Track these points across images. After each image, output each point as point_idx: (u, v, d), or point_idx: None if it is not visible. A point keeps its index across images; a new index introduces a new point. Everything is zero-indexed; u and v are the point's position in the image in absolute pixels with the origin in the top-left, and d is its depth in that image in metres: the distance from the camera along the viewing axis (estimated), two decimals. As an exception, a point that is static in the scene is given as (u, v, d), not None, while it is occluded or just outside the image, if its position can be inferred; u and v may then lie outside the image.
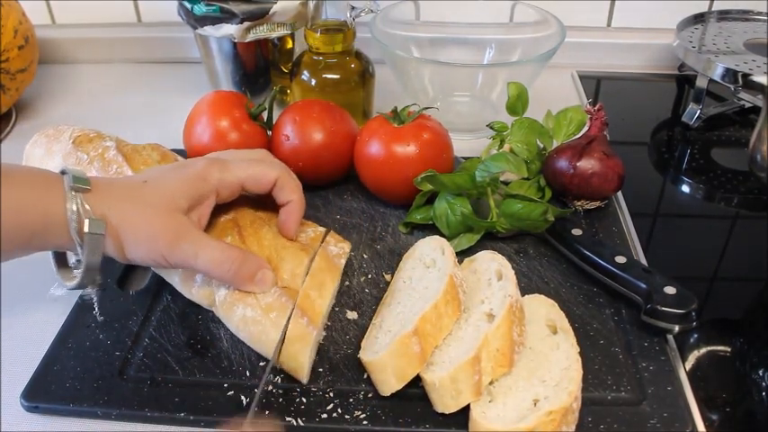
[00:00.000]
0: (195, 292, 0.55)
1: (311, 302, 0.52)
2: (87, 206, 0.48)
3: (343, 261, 0.58)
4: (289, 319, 0.51)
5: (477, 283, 0.55)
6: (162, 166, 0.56)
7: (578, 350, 0.50)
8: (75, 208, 0.47)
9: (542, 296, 0.56)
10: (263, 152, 0.61)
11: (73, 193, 0.48)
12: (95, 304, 0.57)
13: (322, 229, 0.60)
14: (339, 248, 0.59)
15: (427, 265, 0.57)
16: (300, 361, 0.51)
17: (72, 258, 0.54)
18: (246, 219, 0.57)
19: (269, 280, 0.53)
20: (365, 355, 0.52)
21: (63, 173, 0.49)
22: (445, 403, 0.48)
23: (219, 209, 0.57)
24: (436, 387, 0.48)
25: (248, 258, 0.53)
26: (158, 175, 0.54)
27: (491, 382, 0.49)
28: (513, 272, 0.54)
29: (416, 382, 0.51)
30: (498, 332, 0.49)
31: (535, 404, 0.47)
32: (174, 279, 0.57)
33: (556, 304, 0.55)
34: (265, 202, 0.59)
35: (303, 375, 0.51)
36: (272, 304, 0.52)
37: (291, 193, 0.57)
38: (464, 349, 0.49)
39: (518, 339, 0.50)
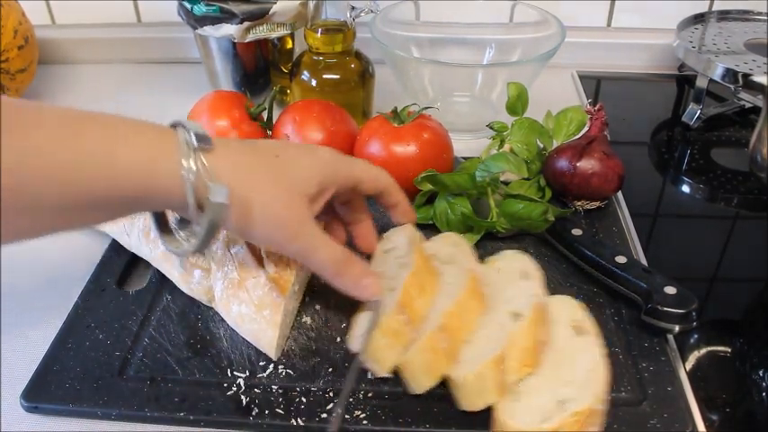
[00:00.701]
0: (194, 288, 0.55)
1: (411, 300, 0.51)
2: (209, 167, 0.42)
3: None
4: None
5: (502, 283, 0.55)
6: (290, 143, 0.52)
7: (604, 352, 0.50)
8: (194, 167, 0.42)
9: (567, 297, 0.56)
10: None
11: (192, 150, 0.42)
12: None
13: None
14: None
15: (445, 261, 0.57)
16: (385, 356, 0.50)
17: (172, 219, 0.48)
18: None
19: (374, 287, 0.51)
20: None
21: (175, 125, 0.43)
22: (470, 401, 0.48)
23: None
24: (461, 385, 0.48)
25: (356, 261, 0.51)
26: (291, 152, 0.49)
27: (516, 382, 0.49)
28: (538, 271, 0.54)
29: (416, 382, 0.52)
30: (524, 332, 0.49)
31: (560, 405, 0.46)
32: (174, 274, 0.57)
33: (581, 305, 0.55)
34: None
35: (380, 370, 0.51)
36: (264, 300, 0.52)
37: (399, 194, 0.56)
38: (490, 348, 0.49)
39: (543, 339, 0.50)
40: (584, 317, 0.53)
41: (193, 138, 0.42)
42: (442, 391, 0.50)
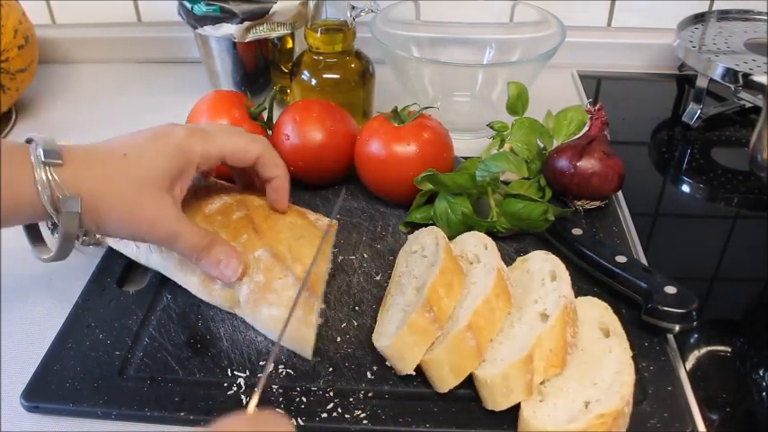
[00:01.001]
0: (216, 294, 0.55)
1: (438, 299, 0.51)
2: (59, 180, 0.46)
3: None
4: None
5: (531, 283, 0.55)
6: (141, 133, 0.53)
7: (631, 354, 0.50)
8: (45, 181, 0.45)
9: (596, 299, 0.56)
10: (242, 128, 0.59)
11: (42, 166, 0.45)
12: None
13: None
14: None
15: (470, 260, 0.58)
16: (411, 353, 0.50)
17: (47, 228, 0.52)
18: (259, 214, 0.57)
19: (233, 266, 0.53)
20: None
21: (29, 141, 0.47)
22: (496, 401, 0.48)
23: (230, 207, 0.56)
24: (488, 384, 0.48)
25: (218, 243, 0.53)
26: (138, 146, 0.51)
27: (542, 382, 0.49)
28: (567, 272, 0.54)
29: (415, 380, 0.51)
30: (552, 332, 0.49)
31: (586, 406, 0.47)
32: (192, 280, 0.56)
33: (609, 307, 0.55)
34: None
35: (406, 368, 0.51)
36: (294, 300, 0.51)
37: (276, 169, 0.56)
38: (517, 348, 0.49)
39: (571, 341, 0.50)
40: (611, 319, 0.53)
41: (41, 153, 0.46)
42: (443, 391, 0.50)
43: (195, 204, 0.58)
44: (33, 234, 0.52)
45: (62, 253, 0.49)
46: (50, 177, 0.46)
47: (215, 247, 0.53)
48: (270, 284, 0.53)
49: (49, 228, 0.52)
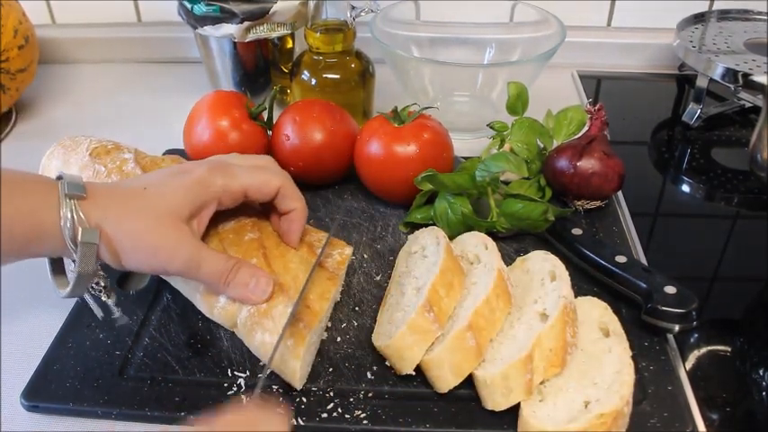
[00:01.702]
0: (217, 313, 0.54)
1: (438, 299, 0.51)
2: (82, 214, 0.47)
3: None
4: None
5: (530, 283, 0.55)
6: (162, 171, 0.55)
7: (631, 354, 0.50)
8: (69, 215, 0.47)
9: (595, 299, 0.56)
10: (267, 158, 0.59)
11: (67, 200, 0.47)
12: (111, 307, 0.57)
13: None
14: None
15: (471, 261, 0.58)
16: (411, 353, 0.50)
17: (70, 265, 0.52)
18: (272, 240, 0.56)
19: (263, 286, 0.52)
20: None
21: (59, 178, 0.49)
22: (495, 401, 0.48)
23: (245, 227, 0.56)
24: (487, 384, 0.48)
25: (244, 266, 0.52)
26: (159, 181, 0.52)
27: (542, 382, 0.49)
28: (566, 272, 0.54)
29: (415, 380, 0.52)
30: (552, 332, 0.49)
31: (586, 406, 0.47)
32: (196, 297, 0.55)
33: (609, 307, 0.55)
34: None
35: (406, 368, 0.51)
36: (289, 329, 0.51)
37: (294, 202, 0.56)
38: (517, 348, 0.49)
39: (571, 340, 0.50)
40: (611, 319, 0.53)
41: (65, 187, 0.47)
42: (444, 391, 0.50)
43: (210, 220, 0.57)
44: (56, 267, 0.52)
45: (78, 288, 0.49)
46: (73, 210, 0.47)
47: (241, 269, 0.52)
48: (270, 311, 0.52)
49: (71, 271, 0.52)
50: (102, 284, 0.54)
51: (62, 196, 0.47)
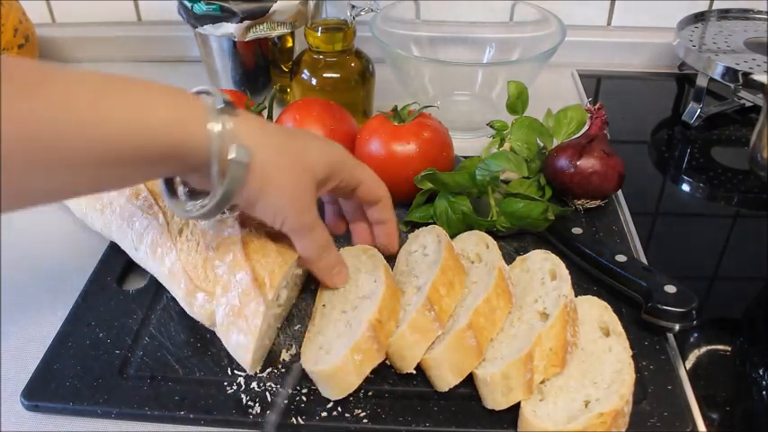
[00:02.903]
0: (197, 311, 0.54)
1: (439, 298, 0.52)
2: (233, 129, 0.44)
3: None
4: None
5: (530, 282, 0.55)
6: (306, 131, 0.55)
7: (631, 353, 0.50)
8: (219, 129, 0.44)
9: (595, 298, 0.56)
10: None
11: (220, 114, 0.44)
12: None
13: None
14: None
15: (472, 260, 0.58)
16: (412, 352, 0.50)
17: (181, 190, 0.50)
18: (254, 237, 0.55)
19: (344, 276, 0.55)
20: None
21: (202, 92, 0.46)
22: (495, 400, 0.48)
23: (225, 222, 0.56)
24: (488, 383, 0.48)
25: (334, 250, 0.54)
26: (308, 137, 0.52)
27: (542, 381, 0.49)
28: (567, 271, 0.54)
29: (415, 379, 0.51)
30: (552, 331, 0.49)
31: (586, 405, 0.47)
32: (178, 294, 0.55)
33: (609, 307, 0.55)
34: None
35: (406, 367, 0.51)
36: (264, 330, 0.51)
37: (390, 213, 0.58)
38: (517, 347, 0.49)
39: (571, 340, 0.50)
40: (611, 318, 0.54)
41: (220, 102, 0.45)
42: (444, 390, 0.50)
43: None
44: (171, 189, 0.50)
45: (215, 210, 0.47)
46: (226, 126, 0.44)
47: (332, 252, 0.54)
48: (243, 310, 0.51)
49: (182, 197, 0.50)
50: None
51: (212, 111, 0.44)
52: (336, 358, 0.48)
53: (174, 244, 0.56)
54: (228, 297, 0.52)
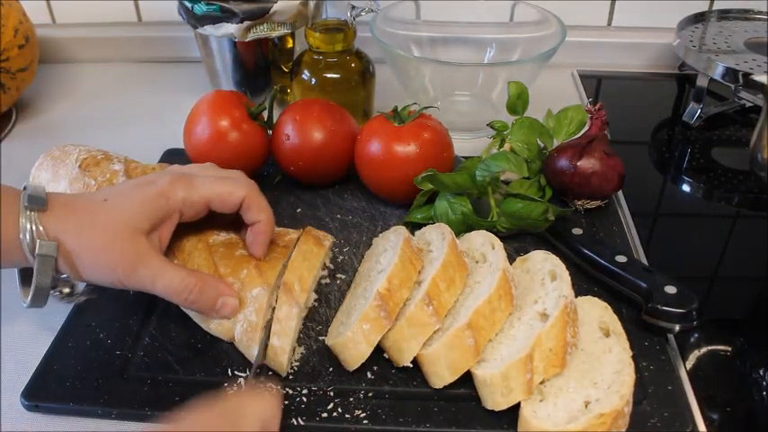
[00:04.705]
0: (214, 327, 0.54)
1: (438, 293, 0.52)
2: (41, 226, 0.47)
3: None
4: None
5: (531, 283, 0.55)
6: (127, 182, 0.54)
7: (631, 354, 0.50)
8: (28, 227, 0.47)
9: (596, 298, 0.56)
10: (237, 172, 0.57)
11: (27, 211, 0.47)
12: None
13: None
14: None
15: (477, 259, 0.58)
16: (409, 346, 0.50)
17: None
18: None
19: (230, 307, 0.52)
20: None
21: (25, 188, 0.49)
22: (495, 400, 0.48)
23: (236, 244, 0.56)
24: (487, 384, 0.48)
25: (208, 285, 0.52)
26: (121, 193, 0.52)
27: (542, 382, 0.49)
28: (567, 272, 0.54)
29: (415, 379, 0.52)
30: (552, 332, 0.49)
31: (586, 406, 0.47)
32: (192, 312, 0.55)
33: (609, 307, 0.55)
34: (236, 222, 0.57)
35: (403, 360, 0.51)
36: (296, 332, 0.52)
37: (260, 213, 0.55)
38: (517, 348, 0.49)
39: (571, 340, 0.50)
40: (611, 318, 0.54)
41: (26, 200, 0.47)
42: (443, 390, 0.50)
43: (200, 232, 0.57)
44: (25, 277, 0.52)
45: (37, 299, 0.49)
46: (32, 223, 0.47)
47: (205, 289, 0.51)
48: (259, 326, 0.52)
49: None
50: (67, 291, 0.54)
51: (22, 208, 0.47)
52: (349, 330, 0.50)
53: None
54: (246, 313, 0.53)
